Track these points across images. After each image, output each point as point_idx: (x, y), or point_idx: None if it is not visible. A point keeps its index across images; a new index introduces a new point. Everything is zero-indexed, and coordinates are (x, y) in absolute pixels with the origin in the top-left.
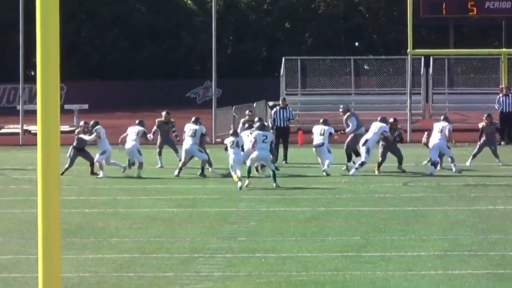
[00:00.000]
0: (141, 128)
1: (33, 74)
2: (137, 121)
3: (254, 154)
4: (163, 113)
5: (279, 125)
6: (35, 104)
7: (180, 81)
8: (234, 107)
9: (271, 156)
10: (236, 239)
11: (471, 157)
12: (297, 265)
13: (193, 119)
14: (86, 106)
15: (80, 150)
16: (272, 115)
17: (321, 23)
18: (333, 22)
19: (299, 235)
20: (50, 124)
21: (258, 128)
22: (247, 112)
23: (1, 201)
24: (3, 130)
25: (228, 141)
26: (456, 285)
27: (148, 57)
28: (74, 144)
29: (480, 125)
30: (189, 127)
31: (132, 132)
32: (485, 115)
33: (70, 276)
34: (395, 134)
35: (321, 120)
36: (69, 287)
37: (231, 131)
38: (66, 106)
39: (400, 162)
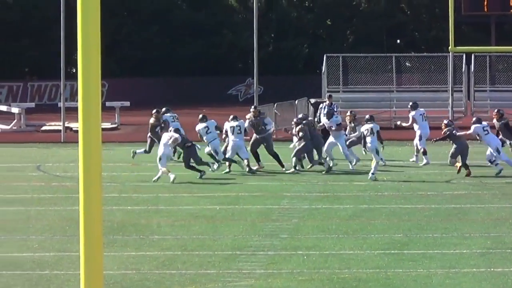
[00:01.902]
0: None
1: (74, 71)
2: (231, 117)
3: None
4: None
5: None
6: (77, 101)
7: (222, 78)
8: (276, 104)
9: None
10: (278, 236)
11: None
12: (339, 263)
13: (231, 117)
14: (127, 103)
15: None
16: (319, 111)
17: (362, 20)
18: (374, 19)
19: (341, 233)
20: (91, 121)
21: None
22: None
23: (43, 198)
24: (44, 127)
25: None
26: (499, 283)
27: (190, 54)
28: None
29: None
30: (230, 125)
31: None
32: None
33: (112, 273)
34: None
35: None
36: (111, 284)
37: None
38: (108, 103)
39: None
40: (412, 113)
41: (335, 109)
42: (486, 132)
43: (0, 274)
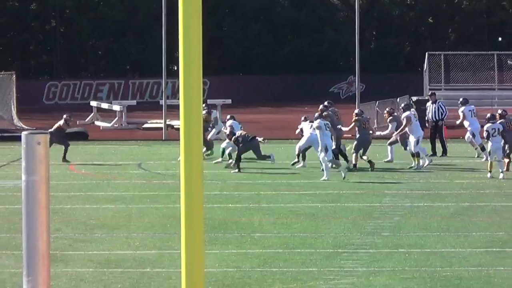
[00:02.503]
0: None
1: (175, 69)
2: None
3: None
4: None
5: (432, 120)
6: (178, 99)
7: (324, 75)
8: (377, 102)
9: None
10: (380, 234)
11: None
12: (441, 261)
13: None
14: (229, 101)
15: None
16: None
17: (464, 18)
18: (476, 17)
19: (443, 230)
20: (192, 119)
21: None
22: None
23: (144, 196)
24: (146, 125)
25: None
26: None
27: (291, 52)
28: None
29: None
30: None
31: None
32: None
33: (213, 271)
34: None
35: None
36: (213, 282)
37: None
38: (209, 101)
39: None
40: (462, 108)
41: (443, 108)
42: None
43: (102, 271)
